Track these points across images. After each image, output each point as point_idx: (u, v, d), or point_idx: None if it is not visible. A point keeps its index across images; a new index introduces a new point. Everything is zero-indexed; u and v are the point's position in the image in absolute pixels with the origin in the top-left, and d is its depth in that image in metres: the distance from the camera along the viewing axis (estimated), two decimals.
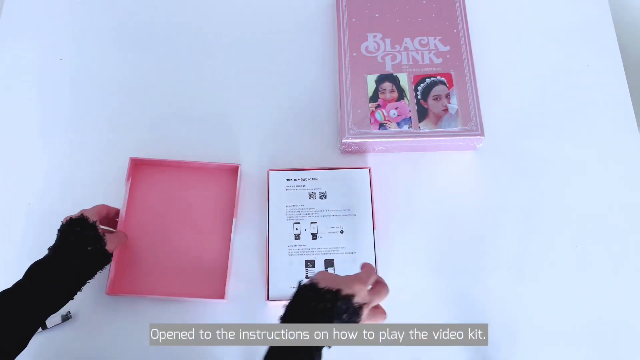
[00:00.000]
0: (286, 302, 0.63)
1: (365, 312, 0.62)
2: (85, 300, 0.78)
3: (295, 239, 0.81)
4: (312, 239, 0.81)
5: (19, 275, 0.81)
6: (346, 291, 0.60)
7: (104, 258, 0.74)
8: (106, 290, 0.78)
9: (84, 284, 0.72)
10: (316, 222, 0.82)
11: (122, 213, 0.82)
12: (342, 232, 0.81)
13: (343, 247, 0.81)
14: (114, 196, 0.84)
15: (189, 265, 0.82)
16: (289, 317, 0.61)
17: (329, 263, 0.80)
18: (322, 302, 0.60)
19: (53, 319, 0.77)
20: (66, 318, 0.78)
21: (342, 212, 0.83)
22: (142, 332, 0.77)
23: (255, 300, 0.79)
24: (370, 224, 0.82)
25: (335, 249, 0.81)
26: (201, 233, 0.82)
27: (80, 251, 0.71)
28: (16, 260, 0.83)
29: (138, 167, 0.87)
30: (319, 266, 0.80)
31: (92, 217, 0.74)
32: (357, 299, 0.61)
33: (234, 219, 0.82)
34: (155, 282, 0.81)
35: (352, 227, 0.82)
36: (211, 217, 0.84)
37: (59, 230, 0.73)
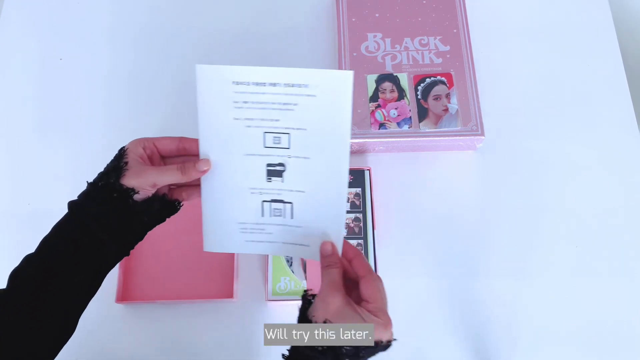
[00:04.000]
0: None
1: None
2: (95, 310, 0.77)
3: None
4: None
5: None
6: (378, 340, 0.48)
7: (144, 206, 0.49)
8: (115, 298, 0.78)
9: (119, 250, 0.50)
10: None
11: None
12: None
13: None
14: None
15: (195, 266, 0.81)
16: None
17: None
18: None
19: None
20: None
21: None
22: (154, 337, 0.77)
23: (257, 300, 0.79)
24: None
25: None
26: None
27: (96, 193, 0.48)
28: (16, 261, 0.83)
29: None
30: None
31: (134, 144, 0.50)
32: (386, 340, 0.49)
33: None
34: (163, 287, 0.79)
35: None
36: None
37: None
